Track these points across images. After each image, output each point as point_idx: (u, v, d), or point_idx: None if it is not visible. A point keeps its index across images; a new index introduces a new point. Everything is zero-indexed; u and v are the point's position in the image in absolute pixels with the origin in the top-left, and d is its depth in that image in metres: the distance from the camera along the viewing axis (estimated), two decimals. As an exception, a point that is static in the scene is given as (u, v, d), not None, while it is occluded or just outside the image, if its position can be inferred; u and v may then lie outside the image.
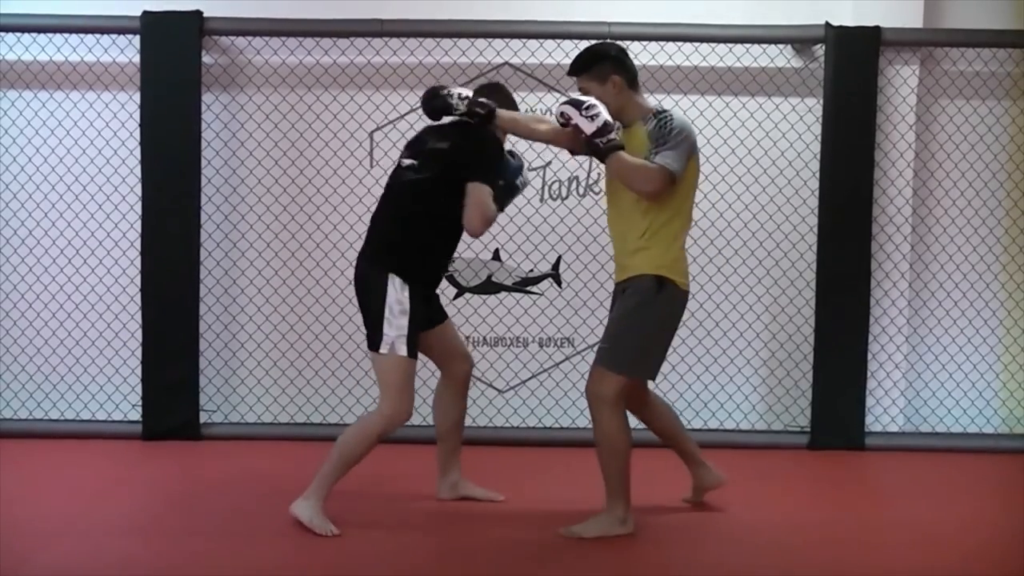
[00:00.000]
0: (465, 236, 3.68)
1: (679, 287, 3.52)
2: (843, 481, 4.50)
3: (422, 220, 3.57)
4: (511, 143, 3.94)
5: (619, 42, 4.84)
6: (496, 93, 3.79)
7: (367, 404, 5.05)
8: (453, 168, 3.56)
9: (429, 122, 3.78)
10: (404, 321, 3.50)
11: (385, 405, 3.54)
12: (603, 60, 3.58)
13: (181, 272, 4.89)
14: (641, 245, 3.51)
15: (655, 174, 3.41)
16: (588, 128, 3.44)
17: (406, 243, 3.57)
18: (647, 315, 3.50)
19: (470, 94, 3.65)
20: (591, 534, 3.55)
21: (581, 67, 3.60)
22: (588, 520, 3.60)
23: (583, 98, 3.49)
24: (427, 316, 3.72)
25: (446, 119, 3.73)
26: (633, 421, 3.65)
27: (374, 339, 3.54)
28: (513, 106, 3.82)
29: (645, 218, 3.50)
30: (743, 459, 4.62)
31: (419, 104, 3.79)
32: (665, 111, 3.53)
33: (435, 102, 3.66)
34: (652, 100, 3.78)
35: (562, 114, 3.49)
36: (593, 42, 3.85)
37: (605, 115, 3.45)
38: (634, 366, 3.53)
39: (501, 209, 3.67)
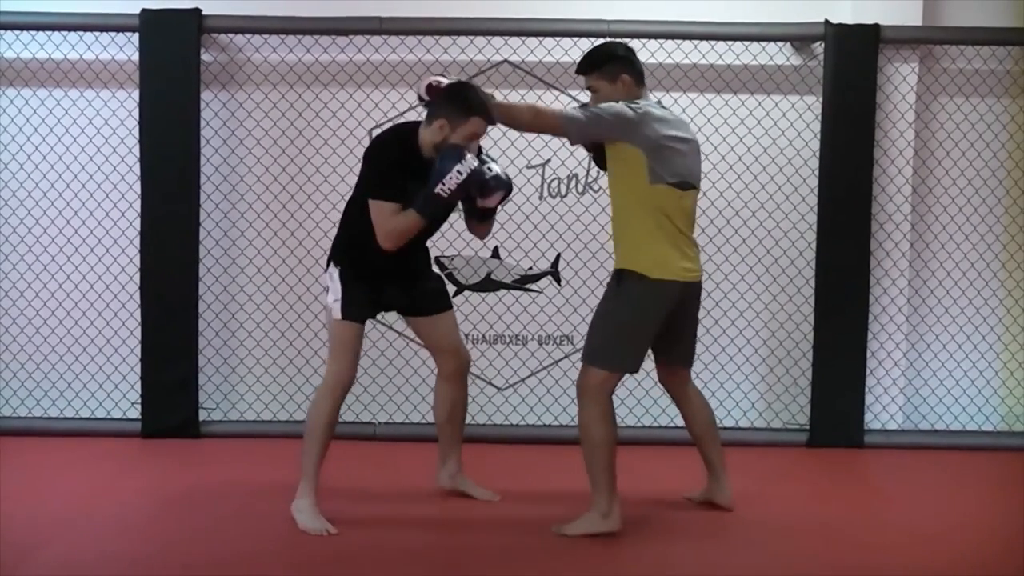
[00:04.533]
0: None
1: (645, 278, 3.49)
2: (842, 479, 4.50)
3: (355, 223, 3.69)
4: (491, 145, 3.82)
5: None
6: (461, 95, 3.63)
7: (367, 402, 5.06)
8: (358, 186, 3.70)
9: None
10: (338, 287, 3.64)
11: (328, 368, 3.67)
12: (612, 59, 3.61)
13: (180, 270, 4.89)
14: (616, 243, 3.60)
15: (547, 114, 3.52)
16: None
17: (343, 240, 3.76)
18: (610, 308, 3.57)
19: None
20: (574, 532, 3.55)
21: (590, 66, 3.63)
22: (576, 519, 3.60)
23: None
24: (416, 301, 3.82)
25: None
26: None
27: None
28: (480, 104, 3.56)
29: (615, 217, 3.60)
30: (742, 457, 4.61)
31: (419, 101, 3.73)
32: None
33: None
34: (654, 97, 3.79)
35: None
36: (600, 41, 3.87)
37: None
38: (604, 359, 3.54)
39: (426, 217, 3.52)
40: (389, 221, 3.51)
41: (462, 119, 3.51)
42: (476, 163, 3.49)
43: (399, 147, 3.59)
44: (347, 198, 3.82)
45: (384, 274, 3.71)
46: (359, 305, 3.67)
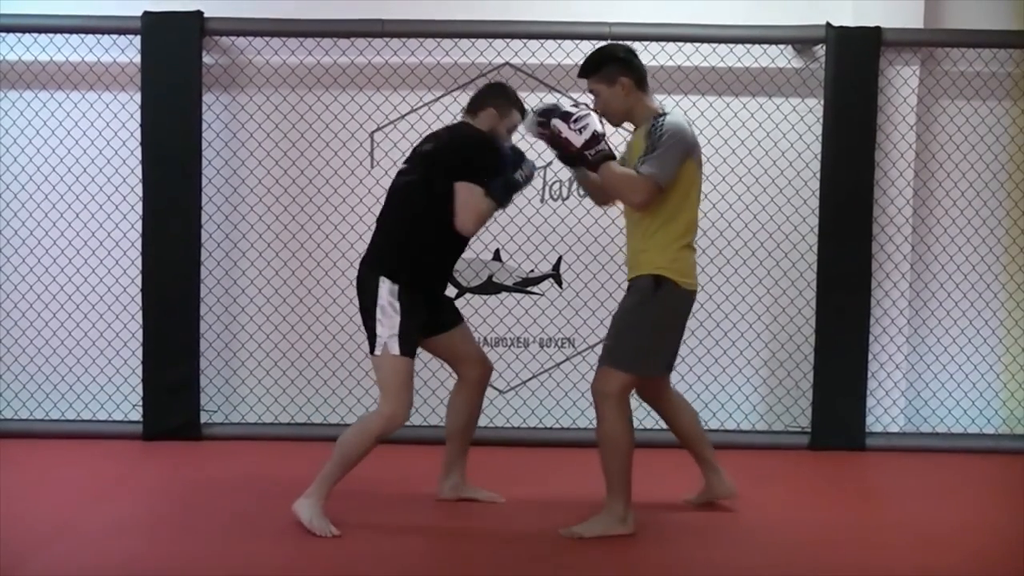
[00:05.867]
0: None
1: (679, 285, 3.53)
2: (844, 481, 4.50)
3: (412, 223, 3.60)
4: (520, 137, 3.91)
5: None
6: (500, 95, 3.81)
7: (368, 404, 5.05)
8: (438, 169, 3.58)
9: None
10: (396, 321, 3.53)
11: (384, 406, 3.56)
12: (611, 62, 3.60)
13: (182, 272, 4.89)
14: (643, 246, 3.57)
15: (639, 184, 3.45)
16: (577, 141, 3.47)
17: (397, 246, 3.61)
18: (645, 314, 3.54)
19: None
20: (591, 533, 3.56)
21: (590, 69, 3.62)
22: (588, 520, 3.61)
23: (572, 110, 3.52)
24: (436, 319, 3.75)
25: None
26: (641, 418, 3.66)
27: (371, 341, 3.59)
28: (518, 104, 3.81)
29: (644, 220, 3.56)
30: (744, 459, 4.62)
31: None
32: (663, 115, 3.54)
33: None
34: (658, 101, 3.78)
35: (553, 127, 3.50)
36: (601, 44, 3.85)
37: (594, 125, 3.48)
38: (635, 363, 3.56)
39: (502, 205, 3.64)
40: (478, 205, 3.53)
41: (508, 110, 3.75)
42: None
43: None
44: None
45: (435, 280, 3.72)
46: (415, 337, 3.60)
